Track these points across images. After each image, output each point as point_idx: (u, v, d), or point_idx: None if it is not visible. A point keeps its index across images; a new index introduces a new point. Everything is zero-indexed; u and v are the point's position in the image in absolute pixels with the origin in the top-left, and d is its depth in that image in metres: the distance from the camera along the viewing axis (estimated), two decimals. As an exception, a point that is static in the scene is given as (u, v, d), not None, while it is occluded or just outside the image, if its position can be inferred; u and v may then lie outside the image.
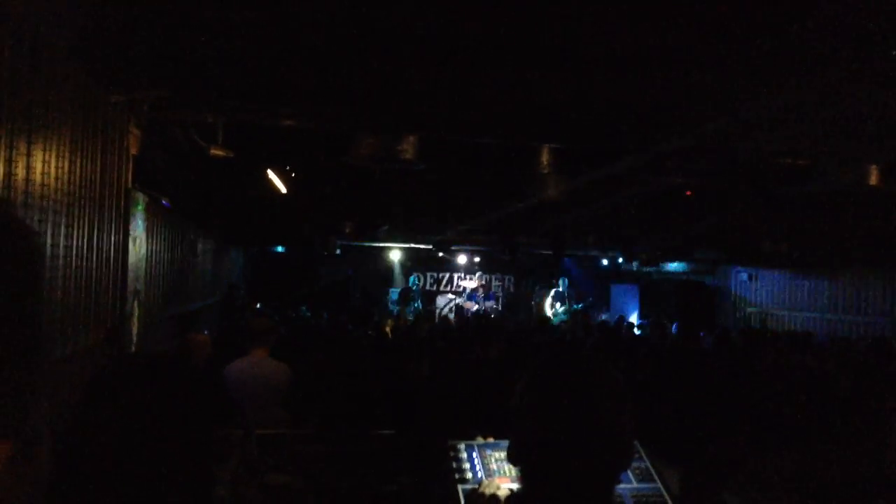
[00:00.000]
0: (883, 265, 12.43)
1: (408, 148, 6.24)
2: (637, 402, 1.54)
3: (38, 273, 1.51)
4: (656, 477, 2.30)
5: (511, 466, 2.22)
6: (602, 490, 1.47)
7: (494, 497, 2.08)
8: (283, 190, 7.95)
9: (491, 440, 2.58)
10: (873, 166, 6.71)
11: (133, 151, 5.67)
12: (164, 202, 6.78)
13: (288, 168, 7.84)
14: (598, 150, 7.32)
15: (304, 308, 14.51)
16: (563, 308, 17.52)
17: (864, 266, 12.89)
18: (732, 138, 6.41)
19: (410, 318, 14.94)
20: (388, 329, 10.67)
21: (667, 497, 2.22)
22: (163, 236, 7.26)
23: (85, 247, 4.54)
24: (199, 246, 9.75)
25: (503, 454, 2.45)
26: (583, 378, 1.53)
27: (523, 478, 1.54)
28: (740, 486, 2.66)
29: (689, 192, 8.84)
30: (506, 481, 2.28)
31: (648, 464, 2.36)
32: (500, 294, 19.70)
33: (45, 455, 1.64)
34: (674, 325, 10.54)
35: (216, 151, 5.83)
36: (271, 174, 7.53)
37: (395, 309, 17.04)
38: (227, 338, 9.04)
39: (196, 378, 1.92)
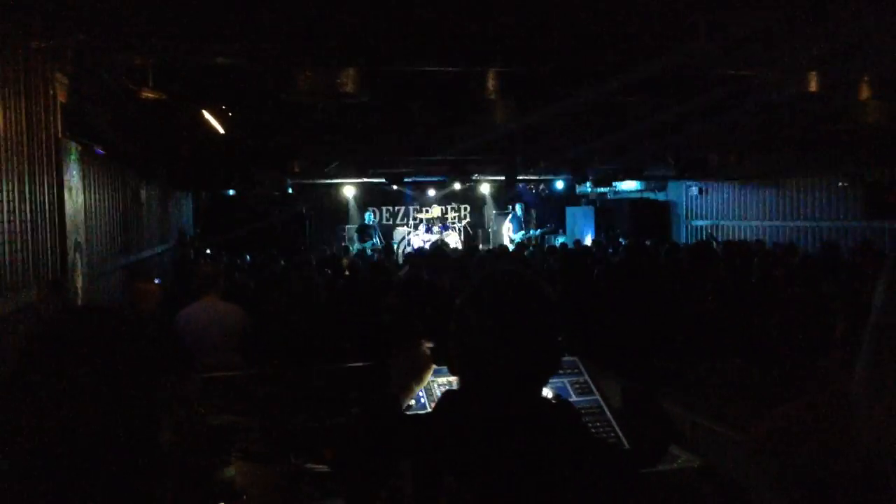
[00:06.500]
0: (825, 171, 12.67)
1: (347, 81, 6.10)
2: (585, 318, 1.66)
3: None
4: (595, 390, 2.36)
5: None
6: (529, 391, 1.62)
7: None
8: (222, 130, 7.75)
9: (434, 367, 2.59)
10: (812, 73, 6.75)
11: (61, 99, 5.47)
12: (97, 150, 6.58)
13: (225, 108, 7.63)
14: (543, 72, 7.24)
15: (256, 251, 14.35)
16: (520, 234, 17.61)
17: (807, 172, 13.13)
18: (676, 51, 6.39)
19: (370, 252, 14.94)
20: (345, 266, 10.63)
21: (605, 408, 2.28)
22: (102, 185, 7.07)
23: (17, 200, 4.41)
24: (143, 193, 9.54)
25: (445, 380, 2.47)
26: (513, 292, 1.65)
27: (461, 384, 1.68)
28: (681, 394, 2.75)
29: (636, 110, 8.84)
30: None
31: (587, 377, 2.41)
32: (457, 224, 19.71)
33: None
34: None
35: (148, 94, 5.65)
36: (208, 115, 7.33)
37: (351, 245, 16.96)
38: (179, 285, 8.94)
39: (141, 329, 1.89)
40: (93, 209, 6.55)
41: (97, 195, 6.81)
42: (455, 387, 1.72)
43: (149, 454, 1.72)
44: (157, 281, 7.05)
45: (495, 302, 1.63)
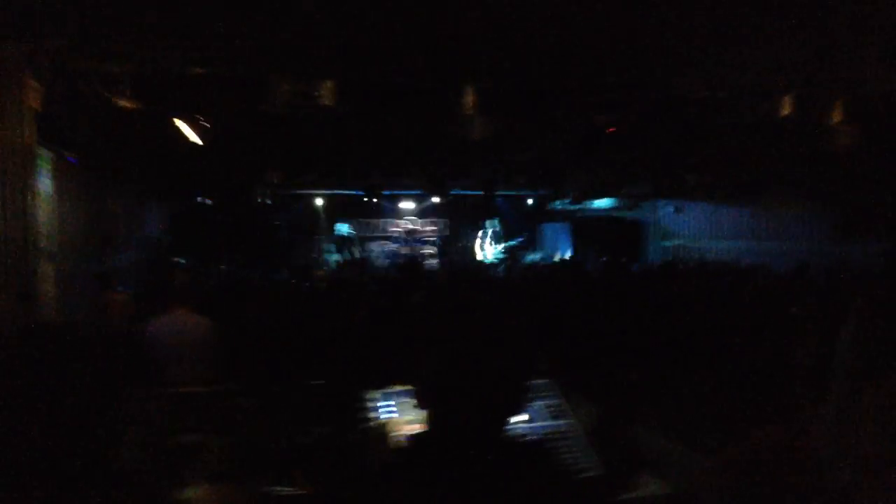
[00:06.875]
0: (799, 192, 12.81)
1: (325, 93, 6.09)
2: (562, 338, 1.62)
3: None
4: (568, 414, 2.35)
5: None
6: (495, 428, 1.55)
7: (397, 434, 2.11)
8: (199, 141, 7.68)
9: (407, 387, 2.58)
10: (786, 96, 6.84)
11: (34, 106, 5.40)
12: (69, 158, 6.50)
13: (201, 117, 7.57)
14: (519, 88, 7.27)
15: (234, 261, 14.26)
16: (496, 248, 17.66)
17: (783, 193, 13.26)
18: (652, 73, 6.45)
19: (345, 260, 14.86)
20: (319, 278, 10.58)
21: (578, 432, 2.27)
22: (74, 193, 6.98)
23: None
24: (116, 201, 9.43)
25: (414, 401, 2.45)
26: (474, 326, 1.61)
27: (428, 420, 1.60)
28: (653, 417, 2.74)
29: (611, 129, 8.88)
30: (413, 427, 2.28)
31: (561, 401, 2.40)
32: (434, 238, 19.70)
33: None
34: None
35: (123, 103, 5.59)
36: (183, 125, 7.26)
37: (328, 258, 16.90)
38: (150, 295, 8.80)
39: (105, 345, 1.85)
40: (64, 216, 6.46)
41: (68, 202, 6.72)
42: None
43: (109, 473, 1.69)
44: (127, 291, 6.95)
45: (463, 335, 1.59)
